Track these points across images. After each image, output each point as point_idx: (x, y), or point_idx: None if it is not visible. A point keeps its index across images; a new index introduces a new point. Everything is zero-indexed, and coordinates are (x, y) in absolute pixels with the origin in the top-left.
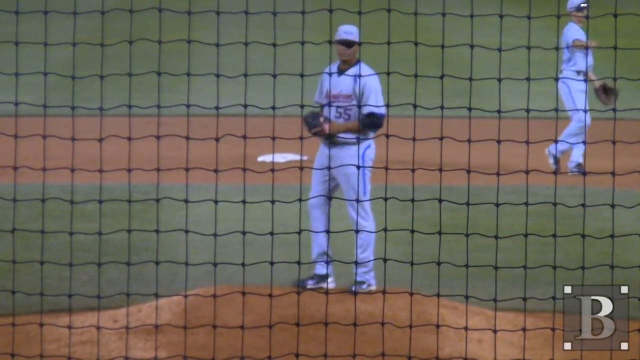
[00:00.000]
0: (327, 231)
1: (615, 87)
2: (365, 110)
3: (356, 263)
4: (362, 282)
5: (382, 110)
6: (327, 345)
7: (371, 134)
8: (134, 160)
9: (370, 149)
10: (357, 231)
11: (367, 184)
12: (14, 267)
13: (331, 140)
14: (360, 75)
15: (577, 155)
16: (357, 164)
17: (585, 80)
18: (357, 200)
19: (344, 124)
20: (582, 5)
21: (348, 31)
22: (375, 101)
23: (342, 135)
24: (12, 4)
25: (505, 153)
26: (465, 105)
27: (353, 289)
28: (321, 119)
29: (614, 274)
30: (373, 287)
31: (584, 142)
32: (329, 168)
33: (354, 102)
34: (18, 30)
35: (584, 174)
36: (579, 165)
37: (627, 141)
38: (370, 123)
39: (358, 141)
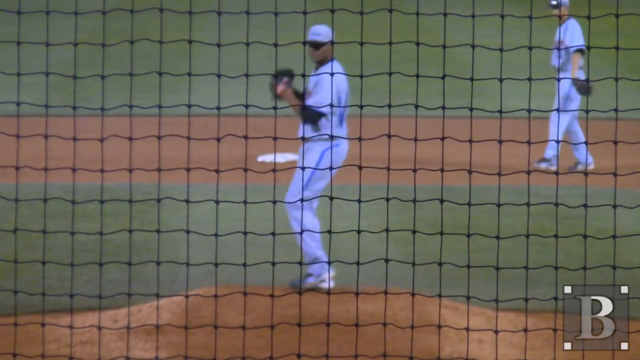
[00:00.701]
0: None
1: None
2: (307, 102)
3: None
4: (309, 275)
5: (320, 108)
6: (324, 345)
7: (340, 133)
8: (135, 160)
9: (336, 149)
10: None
11: (311, 184)
12: (16, 267)
13: (304, 138)
14: (316, 74)
15: (549, 152)
16: (311, 163)
17: (558, 80)
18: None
19: (292, 96)
20: (552, 3)
21: (316, 32)
22: (320, 96)
23: (309, 134)
24: (14, 4)
25: (506, 153)
26: (467, 105)
27: (297, 283)
28: (284, 80)
29: (615, 274)
30: (325, 281)
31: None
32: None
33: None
34: (20, 31)
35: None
36: (545, 160)
37: (628, 141)
38: (305, 114)
39: (321, 140)
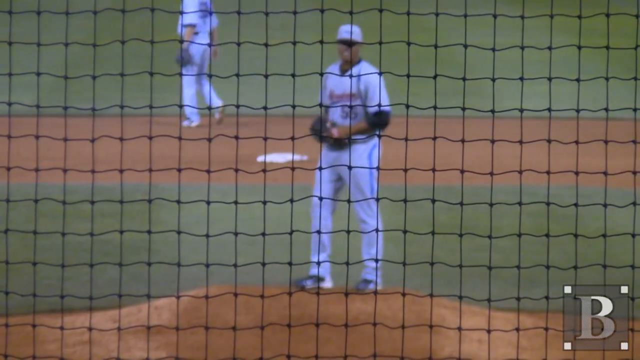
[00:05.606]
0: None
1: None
2: (373, 108)
3: (378, 260)
4: (369, 281)
5: (389, 108)
6: (324, 345)
7: (377, 133)
8: (136, 160)
9: (377, 148)
10: (377, 231)
11: (375, 183)
12: (7, 268)
13: (338, 142)
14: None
15: None
16: (365, 164)
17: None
18: (379, 199)
19: (354, 126)
20: None
21: (348, 30)
22: (380, 99)
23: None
24: (6, 4)
25: (504, 153)
26: (462, 105)
27: (360, 287)
28: (328, 124)
29: (614, 274)
30: (379, 287)
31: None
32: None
33: (359, 101)
34: (16, 31)
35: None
36: None
37: (620, 141)
38: (379, 121)
39: (367, 140)
